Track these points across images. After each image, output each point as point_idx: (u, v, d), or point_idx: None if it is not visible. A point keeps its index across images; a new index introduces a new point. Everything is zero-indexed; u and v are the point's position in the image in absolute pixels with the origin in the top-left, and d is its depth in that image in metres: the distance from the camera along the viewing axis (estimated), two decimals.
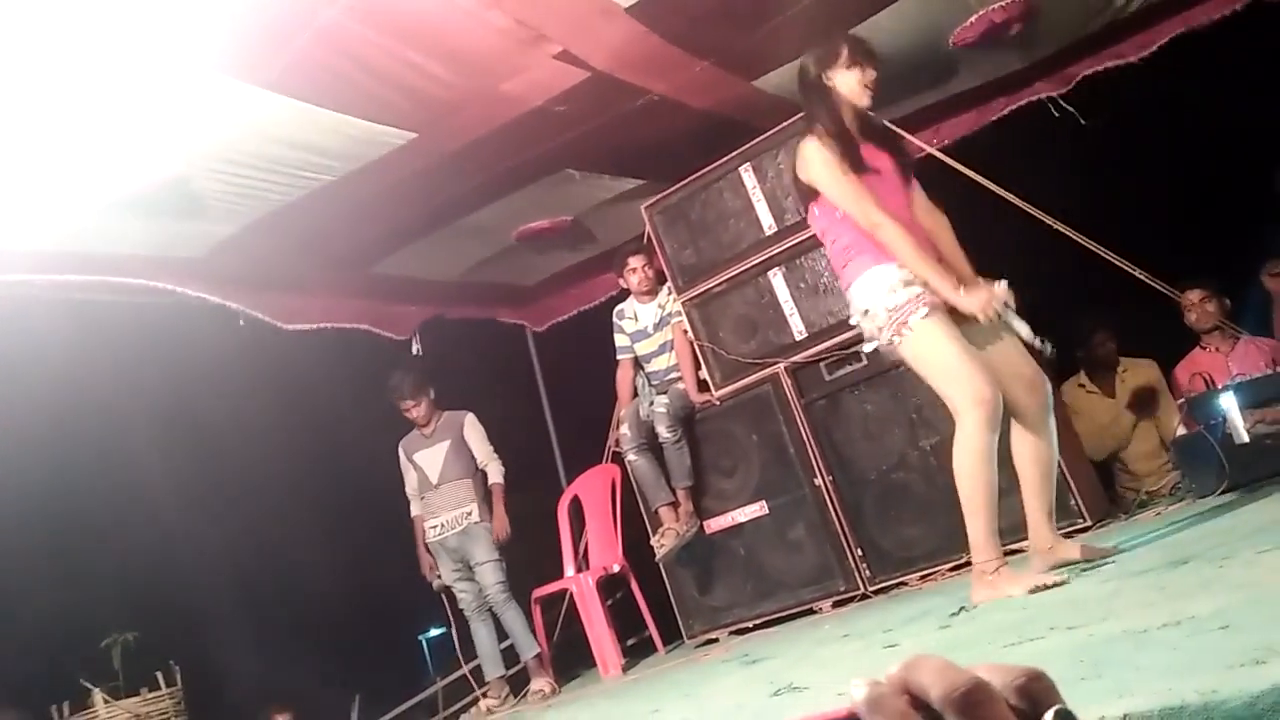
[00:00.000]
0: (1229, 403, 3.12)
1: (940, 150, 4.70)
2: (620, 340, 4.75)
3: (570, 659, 4.97)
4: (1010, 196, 4.18)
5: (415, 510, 4.91)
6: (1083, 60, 4.65)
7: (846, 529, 3.98)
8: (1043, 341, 2.69)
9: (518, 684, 4.72)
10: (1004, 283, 2.69)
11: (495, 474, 4.80)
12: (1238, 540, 2.33)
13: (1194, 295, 4.32)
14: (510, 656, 4.76)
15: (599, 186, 4.75)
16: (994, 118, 4.95)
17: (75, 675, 4.50)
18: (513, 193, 4.47)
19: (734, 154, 4.31)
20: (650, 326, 4.65)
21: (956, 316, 2.68)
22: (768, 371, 4.20)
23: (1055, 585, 2.48)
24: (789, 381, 4.13)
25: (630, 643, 4.92)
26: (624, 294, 4.80)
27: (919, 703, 0.36)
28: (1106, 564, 2.63)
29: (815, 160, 2.76)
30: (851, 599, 3.97)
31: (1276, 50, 4.38)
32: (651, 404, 4.42)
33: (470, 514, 4.71)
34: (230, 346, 4.50)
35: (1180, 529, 2.97)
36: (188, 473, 5.33)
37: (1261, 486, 3.22)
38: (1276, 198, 3.27)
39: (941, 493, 3.79)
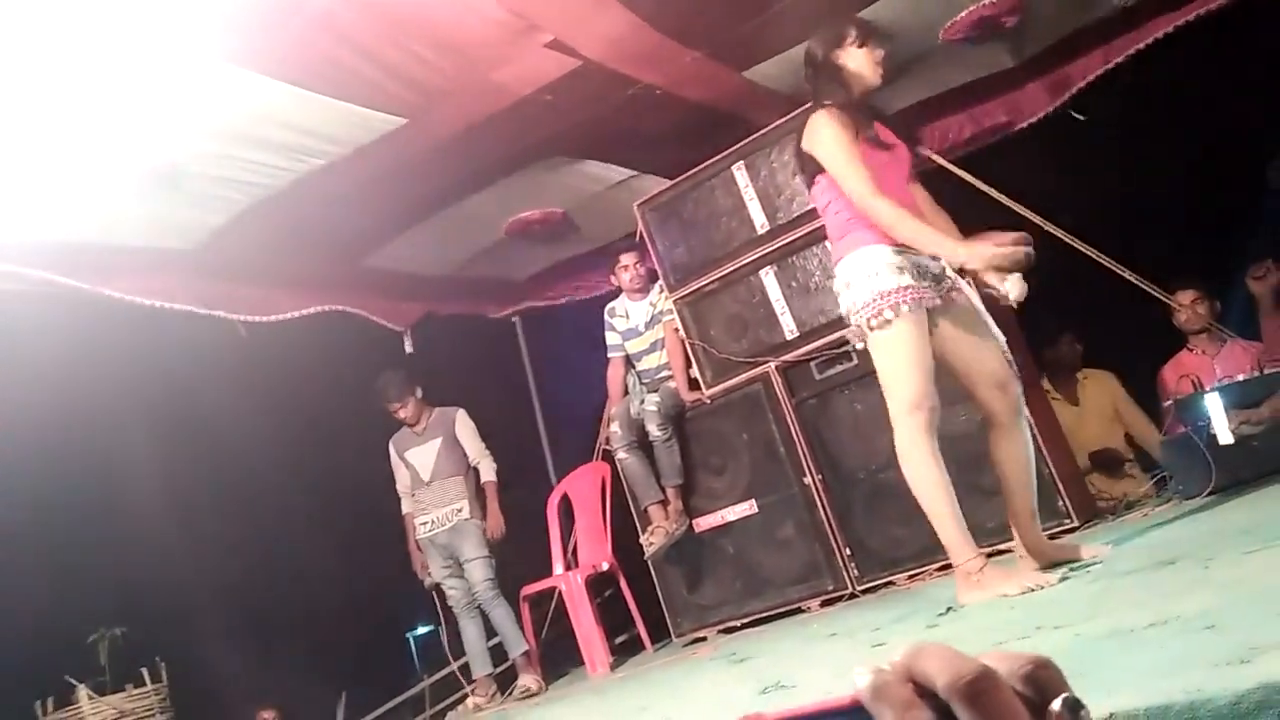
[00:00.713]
0: (1214, 404, 3.14)
1: (932, 151, 4.73)
2: (611, 338, 4.75)
3: (558, 657, 4.97)
4: (999, 195, 4.20)
5: (406, 508, 4.90)
6: (1075, 59, 4.66)
7: (835, 528, 3.99)
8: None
9: (506, 682, 4.71)
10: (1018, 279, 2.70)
11: (488, 471, 4.80)
12: (1223, 541, 2.34)
13: (1185, 296, 4.34)
14: (498, 654, 4.76)
15: (590, 178, 4.73)
16: (990, 124, 4.96)
17: (61, 670, 4.47)
18: (503, 181, 4.45)
19: (727, 152, 4.32)
20: (641, 324, 4.65)
21: (934, 317, 2.69)
22: (758, 370, 4.21)
23: (1047, 586, 2.48)
24: (779, 380, 4.14)
25: (618, 641, 4.92)
26: (616, 291, 4.79)
27: (924, 690, 0.36)
28: (1094, 564, 2.64)
29: (824, 130, 2.72)
30: (839, 598, 3.98)
31: (1261, 50, 4.41)
32: (642, 402, 4.42)
33: (461, 510, 4.70)
34: (218, 341, 4.47)
35: (1167, 530, 2.98)
36: (176, 469, 5.30)
37: (1247, 488, 3.24)
38: (1260, 201, 3.29)
39: None
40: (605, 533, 4.74)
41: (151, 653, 4.70)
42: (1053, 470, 3.62)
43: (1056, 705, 0.36)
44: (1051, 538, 3.47)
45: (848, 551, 3.97)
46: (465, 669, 4.83)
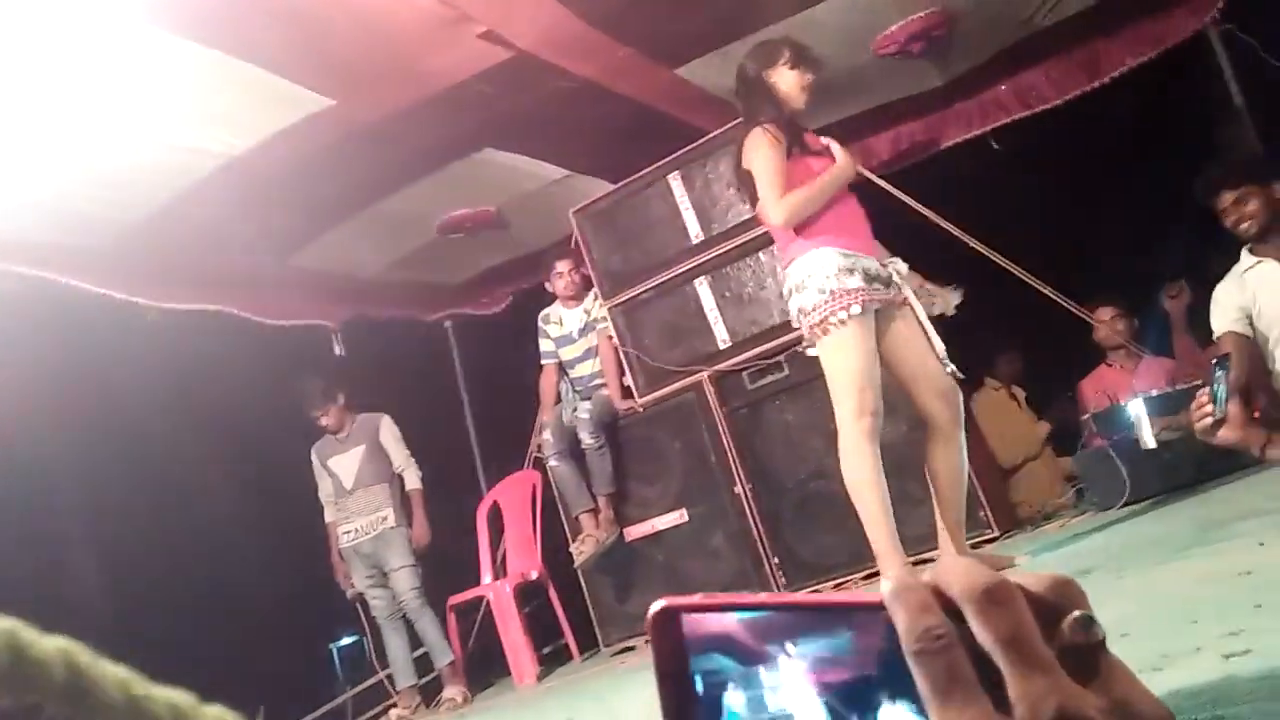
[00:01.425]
0: (1138, 409, 3.23)
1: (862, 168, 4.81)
2: (545, 345, 4.71)
3: (485, 667, 4.90)
4: (927, 211, 4.29)
5: (329, 516, 4.79)
6: (999, 81, 4.80)
7: (764, 537, 4.02)
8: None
9: (431, 693, 4.63)
10: (955, 290, 2.78)
11: (413, 479, 4.72)
12: (1136, 552, 2.41)
13: (1105, 313, 4.49)
14: (424, 665, 4.67)
15: (524, 175, 4.67)
16: (917, 143, 5.07)
17: None
18: (434, 174, 4.36)
19: (663, 162, 4.33)
20: (575, 332, 4.63)
21: (880, 323, 2.73)
22: (691, 379, 4.21)
23: None
24: (712, 390, 4.15)
25: (546, 651, 4.87)
26: (550, 298, 4.77)
27: (944, 598, 0.36)
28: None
29: (759, 149, 2.78)
30: None
31: (1180, 72, 4.59)
32: (575, 410, 4.40)
33: (386, 519, 4.62)
34: (135, 342, 4.32)
35: (1083, 540, 3.07)
36: (87, 471, 5.09)
37: (1159, 500, 3.35)
38: (1177, 222, 3.43)
39: None
40: (535, 541, 4.70)
41: None
42: (975, 481, 3.69)
43: (1069, 621, 0.36)
44: (973, 547, 3.56)
45: (776, 560, 3.99)
46: (389, 680, 4.74)
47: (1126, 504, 3.45)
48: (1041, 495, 4.49)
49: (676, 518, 4.23)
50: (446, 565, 4.87)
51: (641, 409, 4.34)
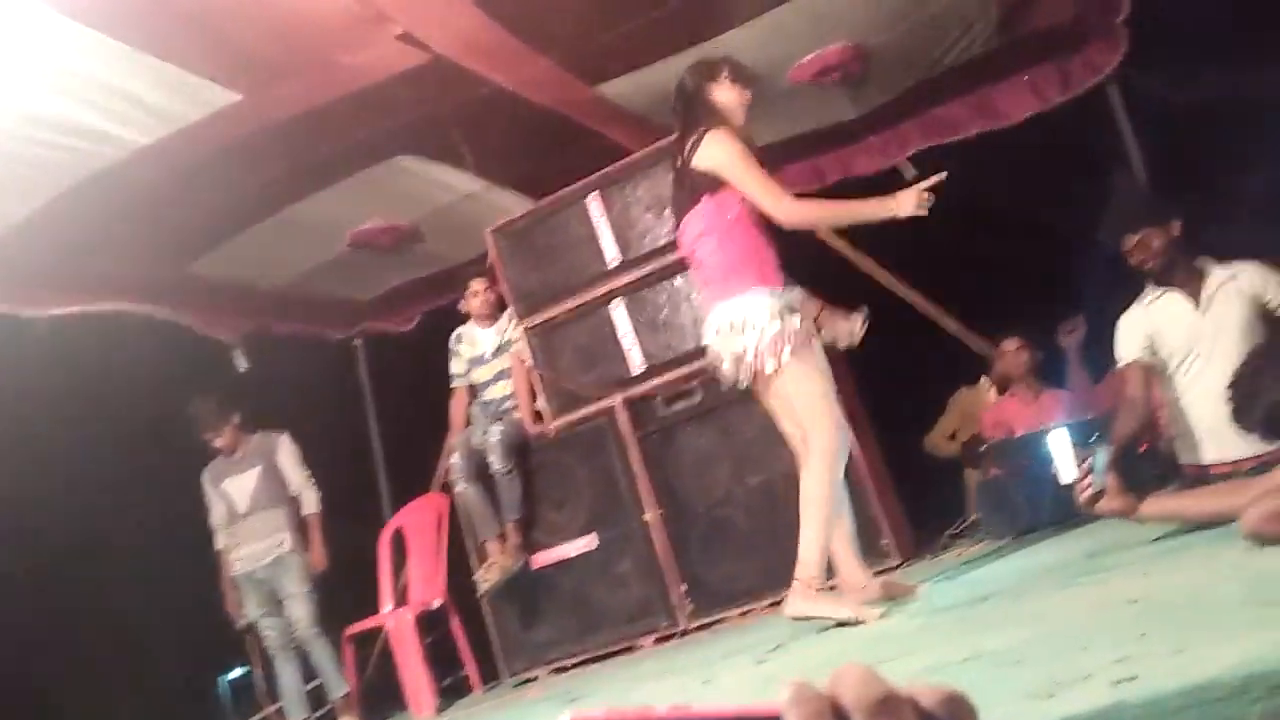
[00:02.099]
0: (1060, 442, 3.30)
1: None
2: (456, 366, 4.62)
3: (382, 700, 4.73)
4: (843, 247, 4.38)
5: (220, 542, 4.57)
6: (907, 119, 4.94)
7: (672, 564, 3.99)
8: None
9: None
10: (858, 319, 2.84)
11: (311, 503, 4.55)
12: (1030, 580, 2.46)
13: (1010, 344, 4.63)
14: (317, 698, 4.49)
15: (440, 186, 4.58)
16: (835, 177, 5.17)
17: None
18: (347, 180, 4.24)
19: (582, 183, 4.30)
20: (489, 353, 4.55)
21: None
22: (604, 404, 4.18)
23: (870, 620, 2.54)
24: (625, 414, 4.12)
25: (447, 683, 4.73)
26: (463, 317, 4.68)
27: (838, 708, 0.37)
28: (912, 601, 2.72)
29: (726, 145, 2.73)
30: (673, 635, 3.97)
31: (1080, 119, 4.80)
32: (485, 433, 4.31)
33: (282, 544, 4.44)
34: (18, 351, 4.07)
35: (979, 569, 3.13)
36: None
37: (1052, 530, 3.45)
38: (1078, 260, 3.56)
39: (764, 530, 3.87)
40: (439, 569, 4.57)
41: None
42: (877, 508, 3.74)
43: None
44: (875, 575, 3.59)
45: (684, 588, 3.96)
46: (280, 714, 4.54)
47: (1021, 534, 3.53)
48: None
49: (586, 544, 4.17)
50: (345, 593, 4.70)
51: (553, 433, 4.28)
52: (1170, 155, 4.48)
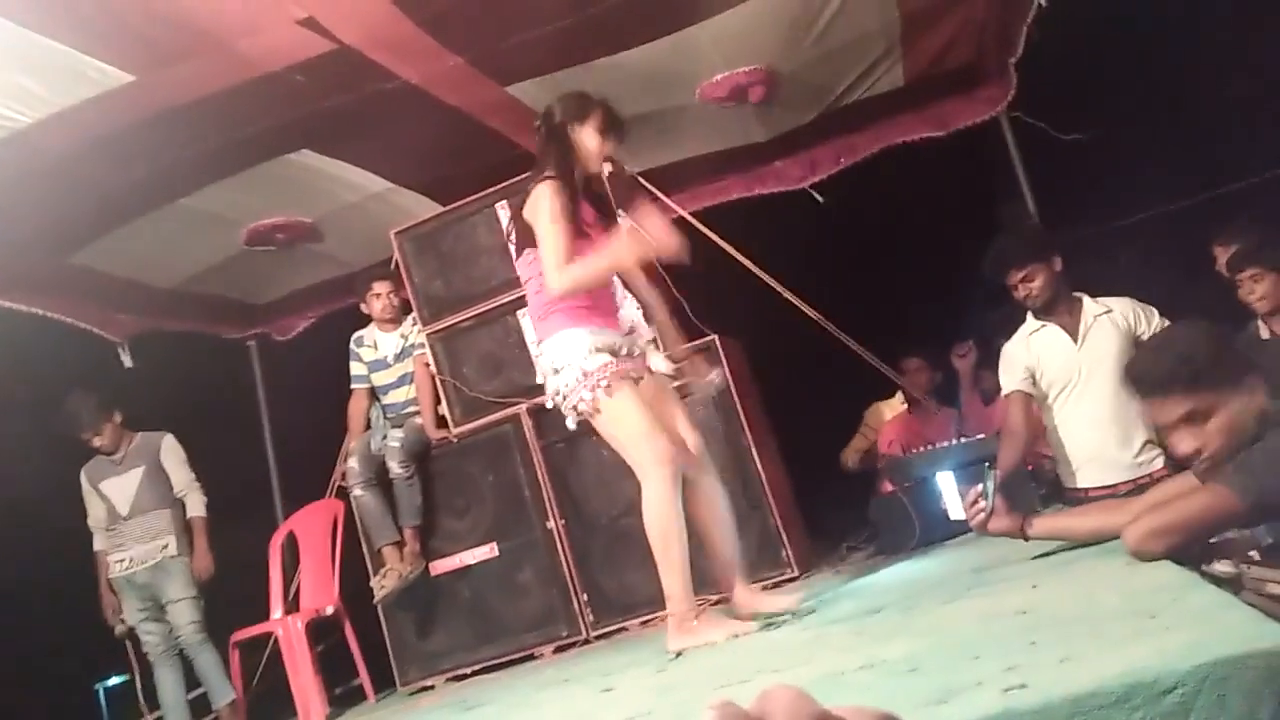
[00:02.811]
0: (946, 484, 3.44)
1: (686, 212, 4.95)
2: (356, 369, 4.52)
3: (269, 708, 4.57)
4: (751, 265, 4.46)
5: (99, 544, 4.37)
6: (814, 145, 5.07)
7: (573, 573, 3.98)
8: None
9: None
10: (718, 371, 2.93)
11: (196, 505, 4.38)
12: (923, 591, 2.55)
13: (912, 363, 4.80)
14: (200, 706, 4.32)
15: (344, 184, 4.44)
16: (743, 195, 5.27)
17: None
18: (243, 174, 4.07)
19: (491, 190, 4.27)
20: (391, 357, 4.47)
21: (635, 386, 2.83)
22: (509, 411, 4.15)
23: (750, 633, 2.62)
24: (530, 422, 4.10)
25: (339, 691, 4.61)
26: (365, 319, 4.58)
27: None
28: (808, 612, 2.79)
29: (543, 202, 2.78)
30: (573, 644, 3.96)
31: (976, 154, 5.02)
32: (385, 438, 4.22)
33: (166, 547, 4.26)
34: None
35: (874, 580, 3.23)
36: None
37: (944, 545, 3.58)
38: (973, 285, 3.73)
39: None
40: (333, 574, 4.45)
41: None
42: (778, 521, 3.82)
43: None
44: (774, 585, 3.67)
45: (585, 597, 3.96)
46: None
47: (914, 548, 3.66)
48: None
49: (486, 552, 4.13)
50: (233, 598, 4.53)
51: (455, 439, 4.23)
52: (1057, 190, 4.74)
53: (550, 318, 2.84)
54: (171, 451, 4.42)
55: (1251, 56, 4.41)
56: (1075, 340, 3.39)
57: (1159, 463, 3.30)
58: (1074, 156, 4.61)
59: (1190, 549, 1.96)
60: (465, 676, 4.09)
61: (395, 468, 4.11)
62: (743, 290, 4.59)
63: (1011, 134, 4.80)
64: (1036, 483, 3.67)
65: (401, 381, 4.45)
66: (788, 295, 4.49)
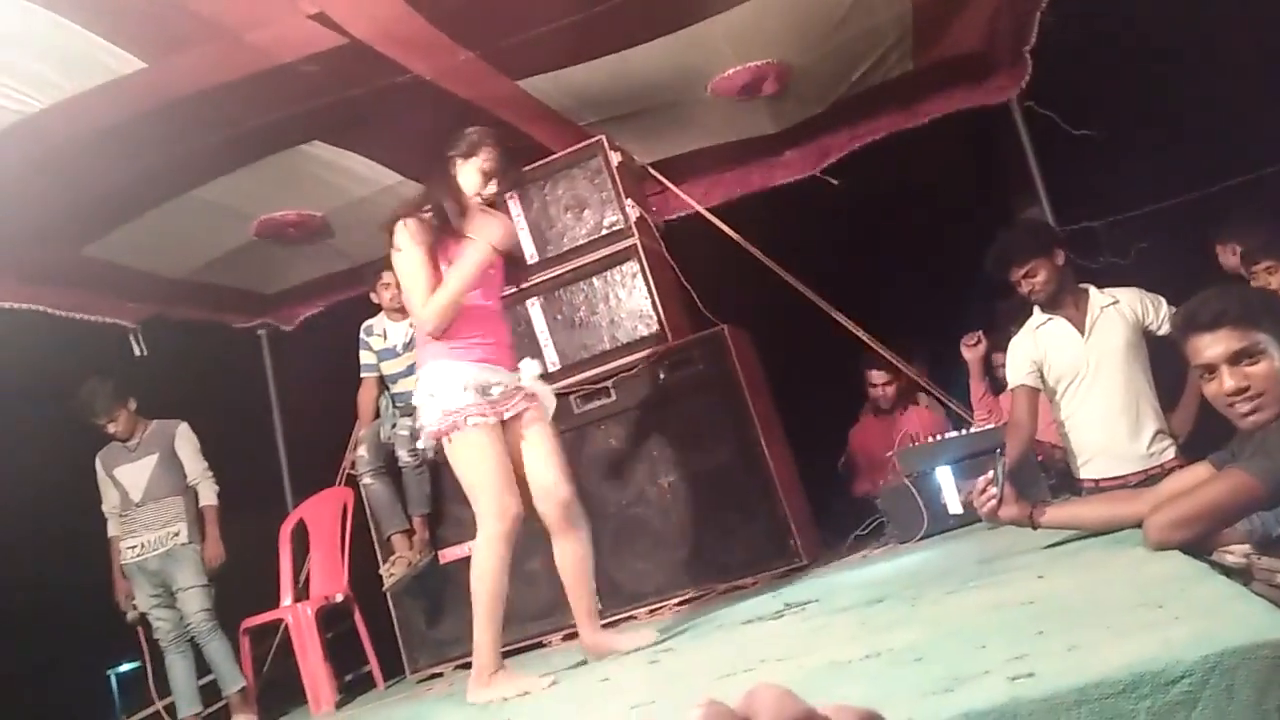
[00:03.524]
0: (944, 477, 3.45)
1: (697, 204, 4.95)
2: (366, 357, 4.53)
3: (281, 695, 4.61)
4: (753, 249, 4.45)
5: (112, 531, 4.40)
6: (824, 135, 5.05)
7: None
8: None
9: None
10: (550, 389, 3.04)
11: (208, 494, 4.40)
12: (928, 582, 2.55)
13: (878, 376, 4.83)
14: (210, 693, 4.35)
15: (354, 178, 4.45)
16: (756, 189, 5.25)
17: None
18: (255, 165, 4.07)
19: None
20: (400, 346, 4.48)
21: (500, 430, 2.84)
22: None
23: (538, 690, 2.65)
24: None
25: (349, 678, 4.63)
26: (375, 308, 4.59)
27: None
28: (812, 602, 2.79)
29: (403, 244, 2.83)
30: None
31: (989, 147, 4.99)
32: (394, 426, 4.24)
33: (177, 534, 4.29)
34: None
35: (878, 570, 3.23)
36: None
37: (951, 535, 3.58)
38: (979, 276, 3.71)
39: (675, 530, 3.92)
40: (342, 562, 4.47)
41: None
42: (786, 511, 3.82)
43: None
44: (784, 575, 3.68)
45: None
46: (168, 711, 4.38)
47: (922, 537, 3.66)
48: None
49: None
50: (244, 586, 4.55)
51: None
52: (1070, 178, 4.70)
53: (425, 346, 2.87)
54: (186, 440, 4.45)
55: (1269, 43, 4.36)
56: (1082, 333, 3.37)
57: (1170, 454, 3.28)
58: (1087, 147, 4.58)
59: (1212, 538, 1.94)
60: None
61: (404, 456, 4.12)
62: (750, 280, 4.57)
63: (1024, 125, 4.77)
64: (1047, 473, 3.66)
65: (410, 370, 4.44)
66: (795, 284, 4.48)
